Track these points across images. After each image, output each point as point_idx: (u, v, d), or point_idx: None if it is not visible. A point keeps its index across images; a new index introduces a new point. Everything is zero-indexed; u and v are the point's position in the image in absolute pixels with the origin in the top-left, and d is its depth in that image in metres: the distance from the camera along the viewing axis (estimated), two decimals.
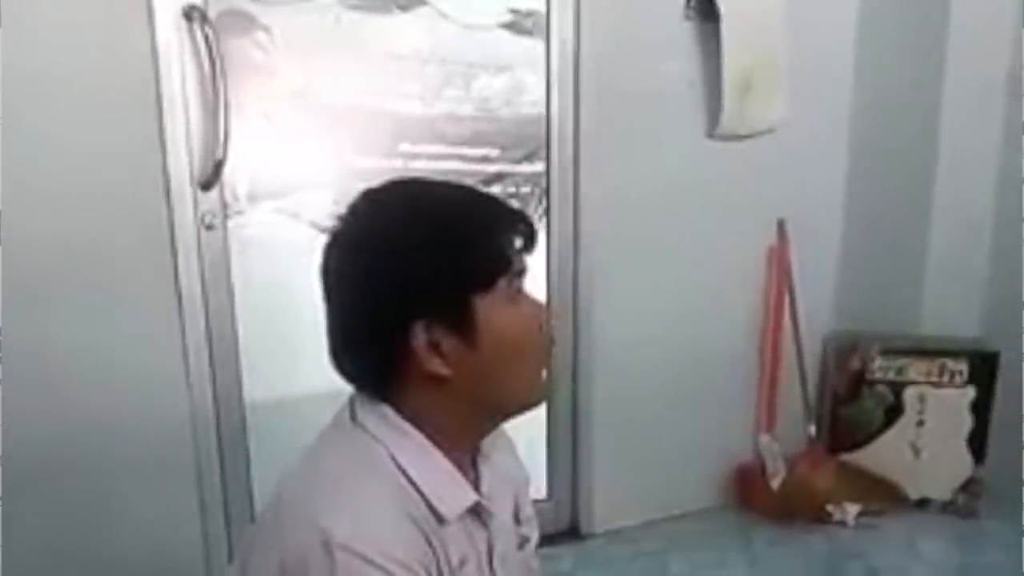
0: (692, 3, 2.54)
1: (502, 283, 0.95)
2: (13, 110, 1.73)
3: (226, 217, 2.07)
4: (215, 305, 2.07)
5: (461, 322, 0.93)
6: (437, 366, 0.94)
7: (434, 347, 0.93)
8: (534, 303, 1.02)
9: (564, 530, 2.72)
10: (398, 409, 0.97)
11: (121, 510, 1.98)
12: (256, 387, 2.19)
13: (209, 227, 2.03)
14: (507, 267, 0.96)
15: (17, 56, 1.72)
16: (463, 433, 1.02)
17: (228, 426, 2.14)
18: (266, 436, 2.21)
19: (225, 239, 2.08)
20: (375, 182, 1.00)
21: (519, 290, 0.99)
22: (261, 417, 2.20)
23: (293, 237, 2.14)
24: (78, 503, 1.93)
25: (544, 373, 1.05)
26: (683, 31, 2.56)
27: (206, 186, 2.00)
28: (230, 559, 2.15)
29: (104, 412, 1.93)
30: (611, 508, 2.75)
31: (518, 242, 0.97)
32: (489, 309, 0.94)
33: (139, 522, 2.00)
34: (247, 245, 2.11)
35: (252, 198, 2.11)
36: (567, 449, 2.72)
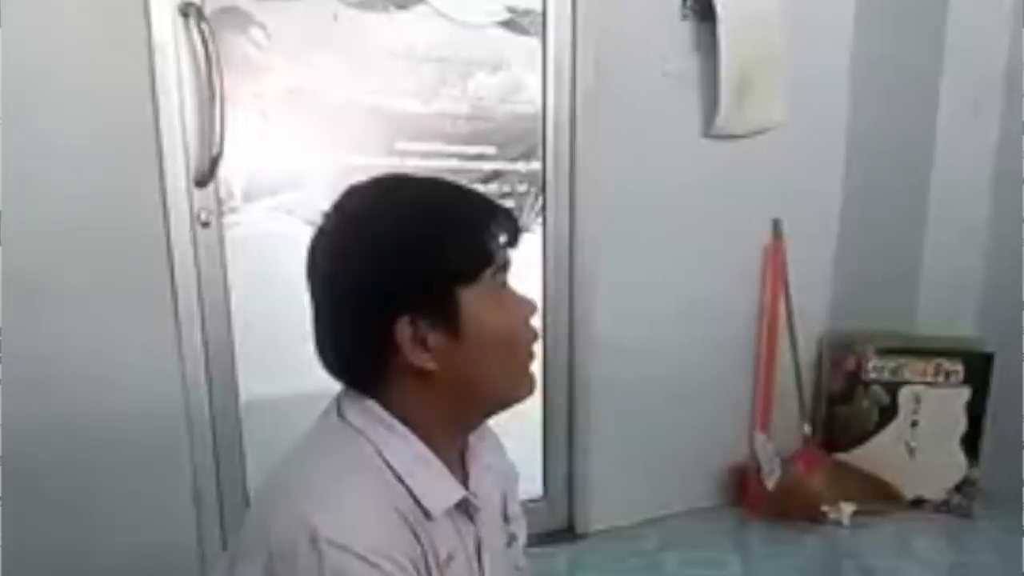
0: (689, 2, 2.55)
1: (486, 276, 0.95)
2: (8, 106, 1.73)
3: (221, 214, 2.07)
4: (210, 302, 2.06)
5: (446, 316, 0.94)
6: (423, 360, 0.94)
7: (419, 341, 0.93)
8: (519, 297, 1.03)
9: (559, 529, 2.72)
10: (384, 404, 0.97)
11: (116, 506, 1.98)
12: (251, 384, 2.18)
13: (204, 224, 2.03)
14: (490, 260, 0.96)
15: (13, 52, 1.72)
16: (450, 428, 1.02)
17: (223, 422, 2.14)
18: (261, 432, 2.20)
19: (220, 236, 2.07)
20: (360, 178, 1.00)
21: (503, 284, 1.00)
22: (256, 413, 2.20)
23: (288, 234, 2.13)
24: (73, 499, 1.93)
25: (531, 368, 1.05)
26: (680, 30, 2.57)
27: (201, 183, 2.00)
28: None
29: (99, 408, 1.93)
30: (606, 507, 2.75)
31: (502, 237, 0.98)
32: (473, 302, 0.94)
33: (133, 518, 2.00)
34: (242, 242, 2.11)
35: (248, 195, 2.11)
36: (562, 448, 2.71)
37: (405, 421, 0.97)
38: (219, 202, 2.06)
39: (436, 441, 0.99)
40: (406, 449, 0.96)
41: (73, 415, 1.90)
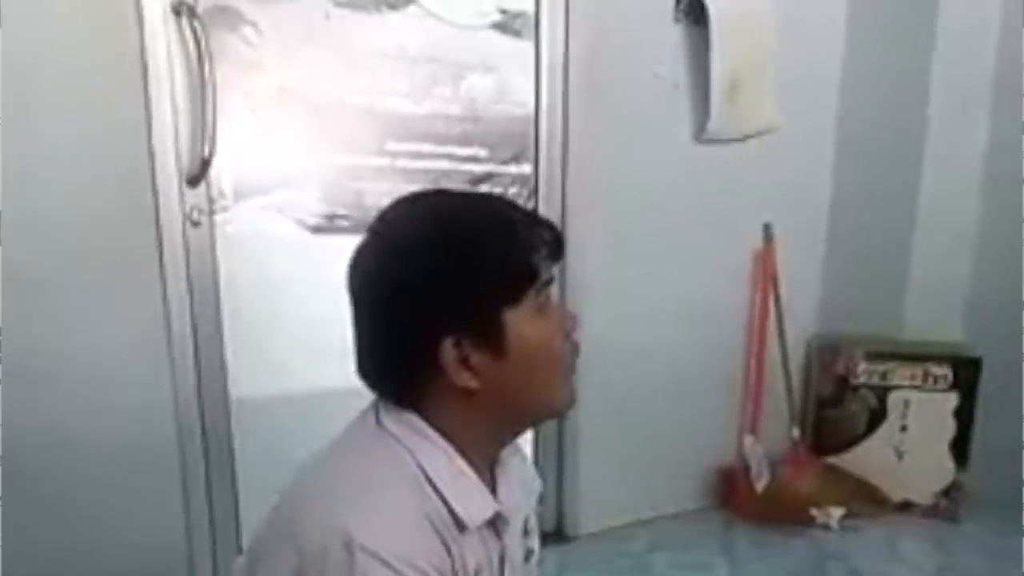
0: (682, 5, 2.55)
1: (530, 295, 0.95)
2: (0, 105, 1.72)
3: (212, 213, 2.06)
4: (200, 302, 2.06)
5: (490, 337, 0.93)
6: (466, 380, 0.93)
7: (463, 362, 0.93)
8: (561, 312, 1.02)
9: (549, 531, 2.71)
10: (424, 417, 0.97)
11: (104, 508, 1.97)
12: (241, 384, 2.17)
13: (195, 223, 2.02)
14: (534, 279, 0.95)
15: (5, 51, 1.71)
16: (489, 442, 1.02)
17: (213, 422, 2.13)
18: (251, 433, 2.19)
19: (211, 235, 2.06)
20: (404, 193, 0.99)
21: (547, 299, 0.99)
22: (246, 413, 2.18)
23: (279, 234, 2.13)
24: (61, 501, 1.92)
25: (572, 380, 1.05)
26: (672, 34, 2.58)
27: (193, 182, 2.00)
28: (213, 556, 2.15)
29: (89, 409, 1.92)
30: (596, 510, 2.75)
31: (544, 251, 0.97)
32: (518, 322, 0.94)
33: (122, 519, 1.99)
34: (233, 242, 2.10)
35: (238, 194, 2.10)
36: (553, 450, 2.72)
37: (443, 434, 0.96)
38: (210, 201, 2.05)
39: (472, 454, 0.98)
40: (444, 461, 0.95)
41: (63, 415, 1.89)
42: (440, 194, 1.02)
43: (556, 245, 0.98)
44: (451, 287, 0.91)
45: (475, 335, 0.92)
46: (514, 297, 0.94)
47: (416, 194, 1.00)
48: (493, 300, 0.93)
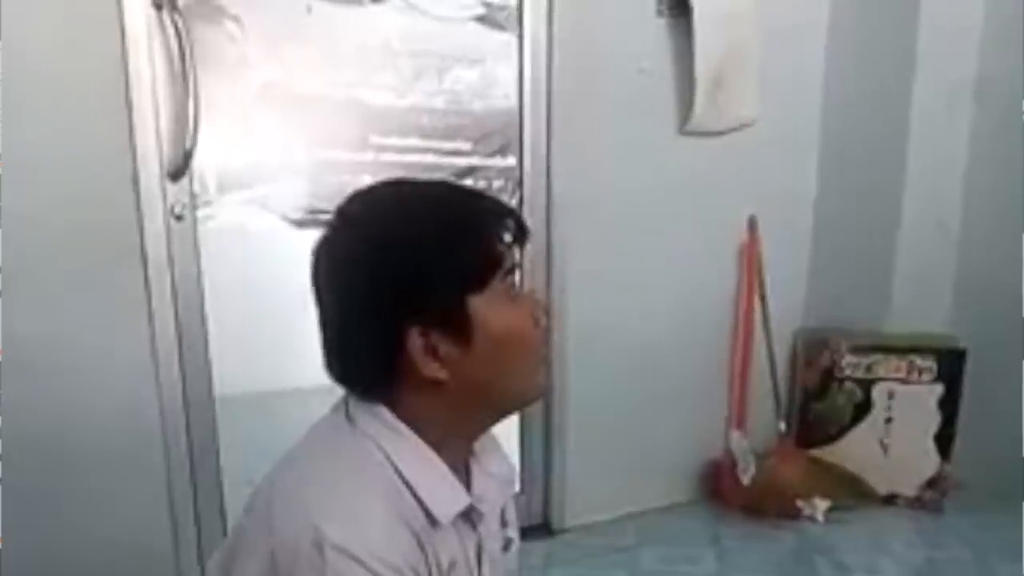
0: None
1: (495, 282, 0.94)
2: None
3: (195, 207, 2.06)
4: (184, 296, 2.05)
5: (456, 325, 0.92)
6: (434, 370, 0.93)
7: (430, 352, 0.92)
8: (528, 298, 1.02)
9: (536, 525, 2.72)
10: (394, 411, 0.96)
11: (89, 502, 1.96)
12: (226, 378, 2.16)
13: (178, 217, 2.02)
14: (498, 266, 0.95)
15: None
16: (461, 434, 1.01)
17: (197, 417, 2.13)
18: (235, 426, 2.19)
19: (194, 230, 2.06)
20: (361, 184, 0.99)
21: (512, 286, 0.98)
22: (231, 407, 2.18)
23: (262, 228, 2.13)
24: (43, 497, 1.91)
25: (542, 368, 1.05)
26: (656, 27, 2.58)
27: (175, 176, 1.99)
28: (199, 551, 2.14)
29: (72, 403, 1.91)
30: (583, 503, 2.76)
31: (507, 237, 0.96)
32: (483, 310, 0.93)
33: (107, 514, 1.98)
34: (216, 236, 2.09)
35: (221, 189, 2.09)
36: (539, 444, 2.72)
37: (414, 427, 0.96)
38: (193, 195, 2.05)
39: (444, 447, 0.98)
40: (416, 456, 0.95)
41: (45, 412, 1.88)
42: (398, 184, 1.01)
43: (519, 231, 0.98)
44: (414, 276, 0.91)
45: (441, 324, 0.92)
46: (479, 284, 0.93)
47: (374, 185, 0.99)
48: (457, 288, 0.92)
